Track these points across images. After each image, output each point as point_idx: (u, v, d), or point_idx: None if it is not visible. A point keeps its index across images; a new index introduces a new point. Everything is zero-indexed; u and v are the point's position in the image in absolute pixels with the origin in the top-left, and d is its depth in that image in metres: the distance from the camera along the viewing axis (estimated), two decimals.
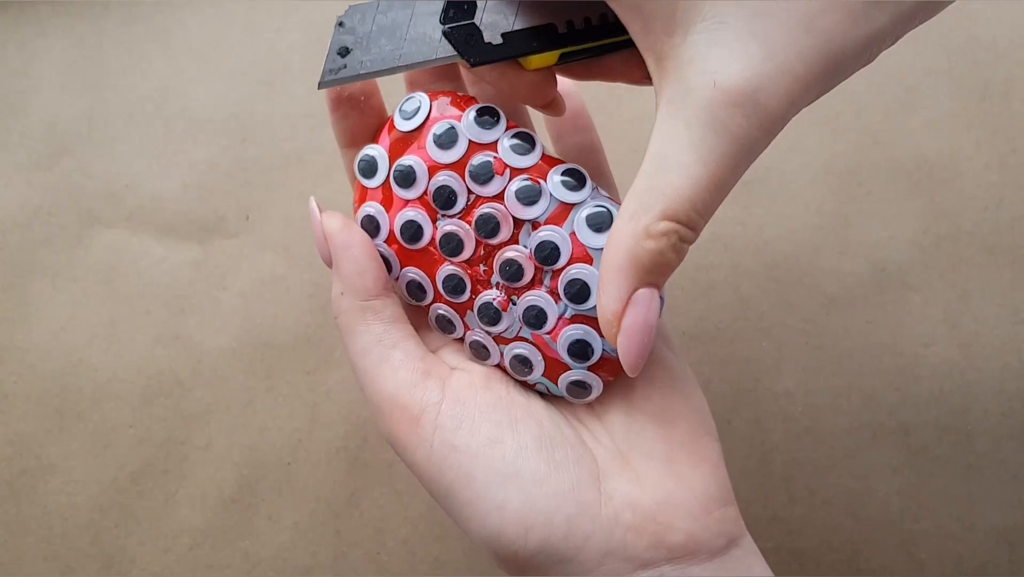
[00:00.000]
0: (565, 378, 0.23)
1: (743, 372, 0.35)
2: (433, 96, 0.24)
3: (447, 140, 0.23)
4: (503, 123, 0.23)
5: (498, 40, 0.22)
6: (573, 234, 0.22)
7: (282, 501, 0.35)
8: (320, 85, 0.21)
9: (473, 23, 0.22)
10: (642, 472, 0.22)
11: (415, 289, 0.24)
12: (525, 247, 0.22)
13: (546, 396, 0.24)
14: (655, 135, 0.19)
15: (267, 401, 0.36)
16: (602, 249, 0.21)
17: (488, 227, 0.22)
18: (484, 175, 0.22)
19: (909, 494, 0.34)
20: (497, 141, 0.23)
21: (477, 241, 0.23)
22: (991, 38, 0.35)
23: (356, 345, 0.23)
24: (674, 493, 0.21)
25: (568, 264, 0.22)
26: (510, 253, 0.23)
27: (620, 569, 0.20)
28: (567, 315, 0.22)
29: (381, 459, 0.35)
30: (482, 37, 0.22)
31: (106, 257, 0.36)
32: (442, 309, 0.24)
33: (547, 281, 0.22)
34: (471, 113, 0.23)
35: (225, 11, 0.37)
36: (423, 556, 0.35)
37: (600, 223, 0.22)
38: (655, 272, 0.19)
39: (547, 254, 0.22)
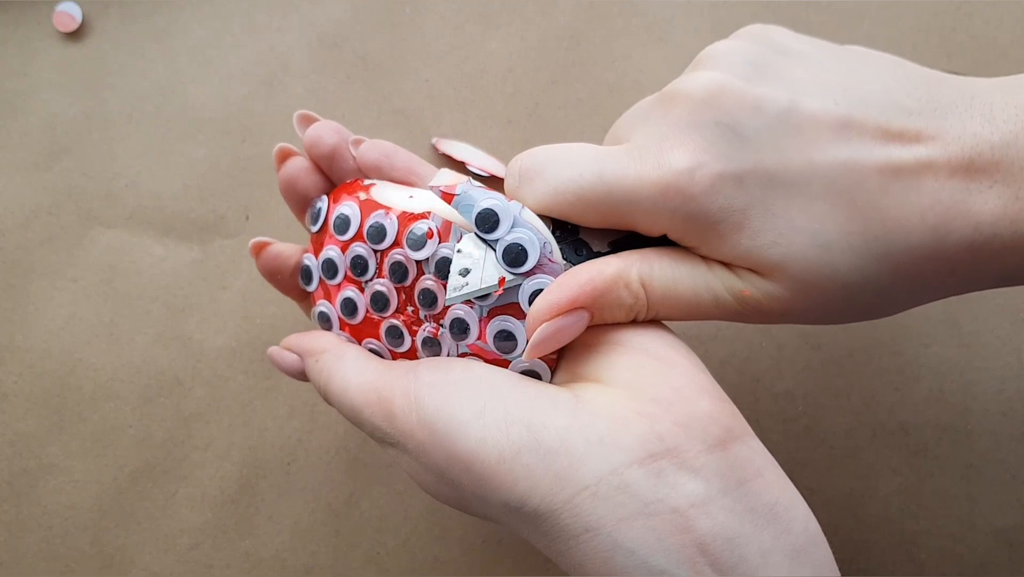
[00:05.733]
0: (513, 370, 0.24)
1: (743, 372, 0.35)
2: (332, 195, 0.27)
3: (343, 223, 0.26)
4: (387, 185, 0.27)
5: (606, 249, 0.24)
6: (460, 239, 0.24)
7: (282, 501, 0.35)
8: (448, 301, 0.24)
9: (580, 237, 0.24)
10: (611, 380, 0.22)
11: (376, 356, 0.26)
12: (432, 274, 0.24)
13: None
14: (678, 253, 0.23)
15: (267, 401, 0.36)
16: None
17: (398, 273, 0.25)
18: (378, 234, 0.25)
19: (909, 494, 0.34)
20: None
21: (396, 289, 0.25)
22: (991, 38, 0.35)
23: (340, 378, 0.24)
24: (651, 388, 0.21)
25: None
26: (425, 283, 0.24)
27: (614, 459, 0.19)
28: (483, 315, 0.24)
29: (381, 459, 0.35)
30: (591, 247, 0.24)
31: (106, 257, 0.36)
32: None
33: None
34: (360, 193, 0.26)
35: (225, 11, 0.37)
36: (423, 556, 0.35)
37: (486, 221, 0.23)
38: (604, 309, 0.22)
39: (446, 271, 0.24)
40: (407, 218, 0.25)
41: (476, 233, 0.23)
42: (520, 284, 0.23)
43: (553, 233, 0.24)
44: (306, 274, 0.28)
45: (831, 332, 0.35)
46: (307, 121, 0.28)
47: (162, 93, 0.37)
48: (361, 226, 0.26)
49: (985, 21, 0.36)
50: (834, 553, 0.35)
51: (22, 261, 0.36)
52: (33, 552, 0.35)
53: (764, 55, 0.22)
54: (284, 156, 0.28)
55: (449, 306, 0.24)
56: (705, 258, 0.23)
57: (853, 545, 0.34)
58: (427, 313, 0.25)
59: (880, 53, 0.23)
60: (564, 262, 0.23)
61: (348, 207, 0.26)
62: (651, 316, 0.23)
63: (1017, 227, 0.20)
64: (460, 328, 0.24)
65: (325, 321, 0.27)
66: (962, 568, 0.33)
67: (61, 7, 0.37)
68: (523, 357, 0.23)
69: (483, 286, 0.23)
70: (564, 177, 0.23)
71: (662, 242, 0.23)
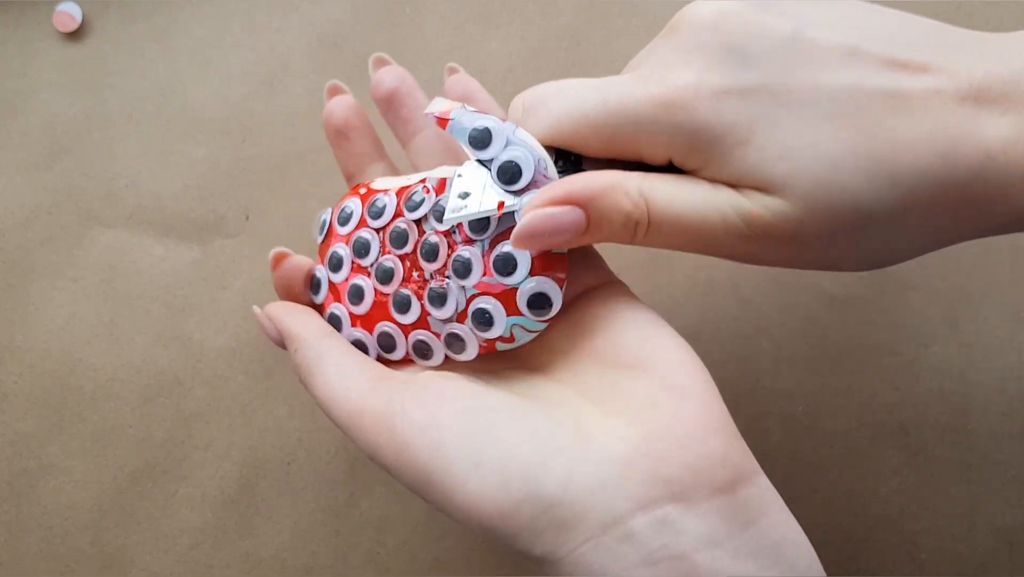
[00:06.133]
0: (522, 299, 0.23)
1: (743, 372, 0.35)
2: (335, 208, 0.28)
3: (346, 217, 0.27)
4: (387, 178, 0.28)
5: None
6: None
7: (282, 501, 0.35)
8: (444, 223, 0.24)
9: (583, 169, 0.23)
10: (622, 411, 0.21)
11: (387, 341, 0.26)
12: (432, 228, 0.25)
13: (506, 384, 0.24)
14: (682, 176, 0.23)
15: (267, 401, 0.36)
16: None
17: (400, 240, 0.25)
18: (379, 212, 0.26)
19: (909, 494, 0.34)
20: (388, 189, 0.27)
21: (400, 259, 0.25)
22: None
23: (321, 383, 0.24)
24: (661, 424, 0.20)
25: None
26: (427, 240, 0.25)
27: (617, 508, 0.19)
28: (486, 248, 0.24)
29: None
30: None
31: (106, 257, 0.36)
32: (421, 335, 0.25)
33: (459, 239, 0.24)
34: (361, 189, 0.27)
35: (225, 11, 0.37)
36: (423, 556, 0.35)
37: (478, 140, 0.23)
38: (601, 215, 0.22)
39: (442, 210, 0.24)
40: (405, 190, 0.25)
41: (471, 155, 0.23)
42: (518, 208, 0.23)
43: (555, 163, 0.23)
44: (315, 284, 0.28)
45: (831, 332, 0.35)
46: (380, 64, 0.29)
47: (162, 93, 0.37)
48: (363, 213, 0.26)
49: (985, 21, 0.36)
50: (834, 553, 0.35)
51: (22, 261, 0.36)
52: (33, 552, 0.35)
53: None
54: (334, 92, 0.29)
55: (451, 253, 0.24)
56: (711, 181, 0.22)
57: (853, 545, 0.34)
58: (432, 270, 0.25)
59: (891, 9, 0.23)
60: None
61: (351, 202, 0.27)
62: (653, 236, 0.22)
63: None
64: (464, 267, 0.24)
65: (336, 323, 0.27)
66: (962, 568, 0.33)
67: (61, 7, 0.37)
68: (511, 244, 0.22)
69: (482, 209, 0.23)
70: (567, 105, 0.23)
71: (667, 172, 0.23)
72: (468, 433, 0.20)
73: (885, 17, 0.22)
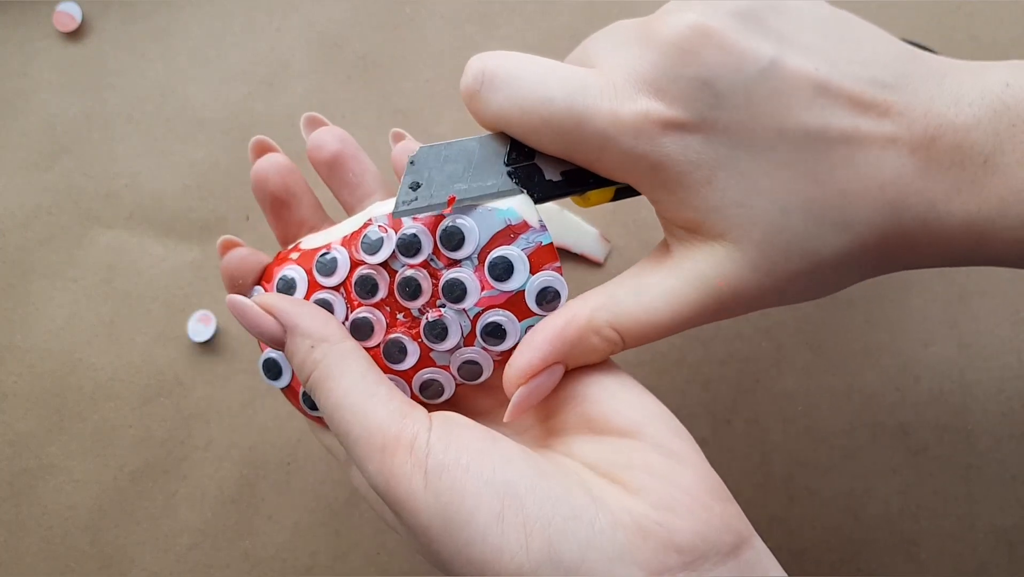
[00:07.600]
0: (531, 298, 0.23)
1: (743, 372, 0.35)
2: (264, 280, 0.26)
3: (287, 286, 0.25)
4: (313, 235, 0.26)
5: (558, 178, 0.24)
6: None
7: (282, 501, 0.35)
8: (395, 214, 0.23)
9: (535, 163, 0.24)
10: (627, 481, 0.21)
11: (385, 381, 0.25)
12: (402, 258, 0.24)
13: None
14: (654, 266, 0.23)
15: (267, 401, 0.36)
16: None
17: (367, 287, 0.24)
18: (327, 268, 0.24)
19: (909, 494, 0.34)
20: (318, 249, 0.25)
21: (376, 306, 0.24)
22: (991, 38, 0.35)
23: (340, 386, 0.22)
24: (668, 494, 0.20)
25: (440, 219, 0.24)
26: (407, 275, 0.24)
27: None
28: (475, 264, 0.23)
29: None
30: (543, 175, 0.24)
31: (106, 257, 0.36)
32: (428, 374, 0.25)
33: (439, 265, 0.24)
34: (292, 255, 0.26)
35: (225, 11, 0.37)
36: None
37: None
38: (578, 358, 0.23)
39: (415, 248, 0.24)
40: (353, 237, 0.24)
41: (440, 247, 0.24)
42: (478, 204, 0.23)
43: (509, 155, 0.24)
44: (272, 368, 0.26)
45: (831, 332, 0.35)
46: (314, 124, 0.27)
47: (162, 93, 0.37)
48: (310, 276, 0.25)
49: (985, 21, 0.36)
50: (834, 553, 0.35)
51: (22, 261, 0.36)
52: (33, 552, 0.35)
53: (754, 5, 0.22)
54: (261, 150, 0.26)
55: (436, 283, 0.24)
56: (666, 220, 0.23)
57: (853, 545, 0.34)
58: (420, 305, 0.24)
59: (867, 23, 0.23)
60: (522, 191, 0.24)
61: (288, 271, 0.25)
62: (631, 347, 0.23)
63: (968, 208, 0.20)
64: (460, 290, 0.23)
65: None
66: (962, 568, 0.33)
67: (61, 7, 0.37)
68: (504, 419, 0.23)
69: (433, 203, 0.23)
70: (533, 97, 0.22)
71: (615, 183, 0.23)
72: (490, 483, 0.20)
73: (861, 39, 0.22)
